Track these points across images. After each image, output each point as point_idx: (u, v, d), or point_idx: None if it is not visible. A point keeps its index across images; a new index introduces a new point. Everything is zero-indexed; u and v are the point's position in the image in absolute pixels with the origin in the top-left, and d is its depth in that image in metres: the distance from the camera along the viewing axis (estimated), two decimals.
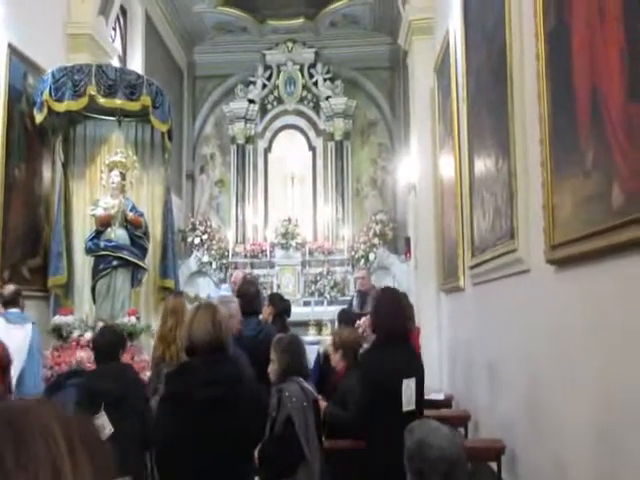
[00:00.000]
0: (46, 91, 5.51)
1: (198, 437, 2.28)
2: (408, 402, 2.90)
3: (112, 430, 2.85)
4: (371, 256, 10.21)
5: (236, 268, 10.23)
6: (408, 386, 2.91)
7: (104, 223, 5.59)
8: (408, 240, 8.43)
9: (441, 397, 4.90)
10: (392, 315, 3.07)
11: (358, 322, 4.67)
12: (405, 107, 9.61)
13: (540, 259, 2.71)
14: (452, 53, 5.00)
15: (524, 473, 3.11)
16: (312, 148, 11.02)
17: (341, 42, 10.96)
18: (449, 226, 5.33)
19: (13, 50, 5.41)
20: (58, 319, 5.43)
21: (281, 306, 5.51)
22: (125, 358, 4.20)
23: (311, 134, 11.03)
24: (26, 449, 0.51)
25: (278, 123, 11.12)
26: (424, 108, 6.38)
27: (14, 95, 5.48)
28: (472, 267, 4.30)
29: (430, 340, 5.81)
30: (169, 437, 2.39)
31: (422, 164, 6.45)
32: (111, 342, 3.42)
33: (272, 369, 3.06)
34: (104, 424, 2.87)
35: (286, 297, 9.04)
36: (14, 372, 4.15)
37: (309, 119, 11.05)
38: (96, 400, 3.01)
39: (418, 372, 3.08)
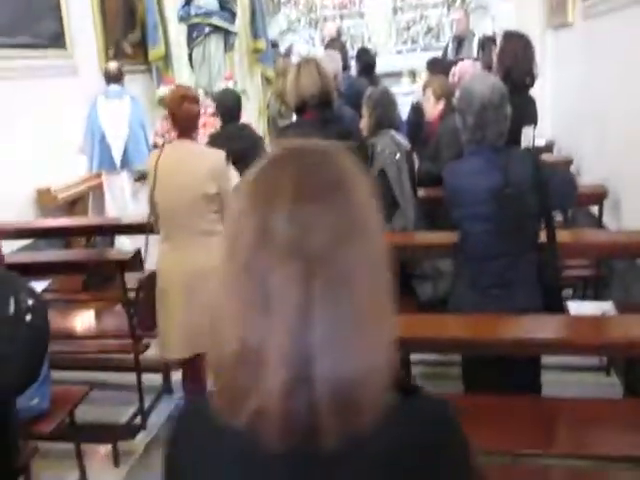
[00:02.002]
0: None
1: None
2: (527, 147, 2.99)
3: None
4: None
5: (325, 22, 9.80)
6: (526, 133, 2.96)
7: None
8: None
9: (542, 142, 4.83)
10: (517, 60, 2.99)
11: (453, 69, 4.50)
12: None
13: None
14: None
15: (627, 218, 3.15)
16: None
17: None
18: None
19: None
20: (162, 90, 5.75)
21: (364, 60, 5.35)
22: None
23: None
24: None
25: None
26: None
27: None
28: None
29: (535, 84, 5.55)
30: None
31: None
32: (232, 105, 3.65)
33: (364, 124, 3.14)
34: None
35: (378, 47, 8.77)
36: (118, 146, 4.62)
37: None
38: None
39: (535, 119, 3.09)
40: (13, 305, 0.95)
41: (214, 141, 3.48)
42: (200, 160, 2.64)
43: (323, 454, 0.57)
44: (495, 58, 3.20)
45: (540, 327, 2.03)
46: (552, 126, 5.35)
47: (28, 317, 0.96)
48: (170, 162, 2.64)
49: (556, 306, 2.20)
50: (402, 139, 3.18)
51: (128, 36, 5.85)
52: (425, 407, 0.67)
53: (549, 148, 4.87)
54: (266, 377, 0.56)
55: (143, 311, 2.77)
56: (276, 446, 0.57)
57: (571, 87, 4.59)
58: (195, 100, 2.73)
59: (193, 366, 2.79)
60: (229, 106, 3.65)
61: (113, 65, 4.81)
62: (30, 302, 0.99)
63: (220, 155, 2.70)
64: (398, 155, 3.00)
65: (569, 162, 4.26)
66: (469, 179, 2.15)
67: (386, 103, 3.17)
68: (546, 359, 2.54)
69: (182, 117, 2.64)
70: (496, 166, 2.11)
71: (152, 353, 3.13)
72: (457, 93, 2.32)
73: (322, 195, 0.60)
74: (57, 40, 4.63)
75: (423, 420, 0.65)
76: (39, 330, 1.00)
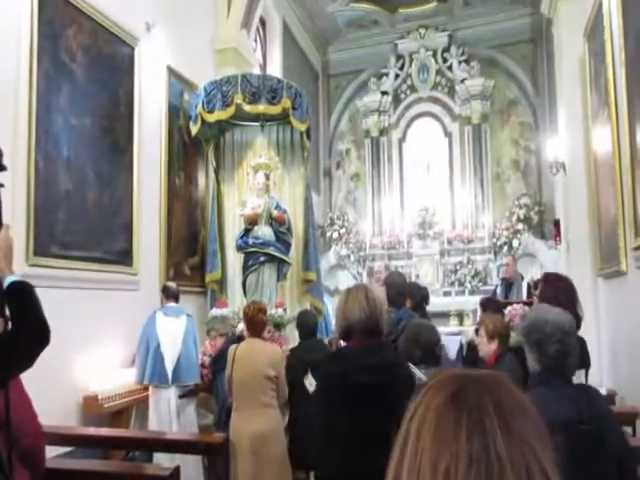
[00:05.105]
0: (200, 104, 5.98)
1: (353, 415, 2.30)
2: None
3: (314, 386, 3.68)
4: (515, 243, 9.70)
5: (374, 260, 10.31)
6: (578, 377, 2.75)
7: (252, 221, 5.92)
8: (557, 223, 7.90)
9: (602, 392, 4.48)
10: (559, 302, 2.89)
11: (508, 308, 4.44)
12: (550, 80, 9.02)
13: None
14: (606, 14, 4.56)
15: None
16: (448, 134, 10.72)
17: (476, 21, 10.57)
18: (606, 205, 4.89)
19: (171, 71, 5.97)
20: (215, 312, 5.85)
21: (419, 295, 5.41)
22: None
23: (446, 120, 10.73)
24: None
25: (412, 112, 10.97)
26: (573, 78, 5.91)
27: (173, 112, 6.04)
28: (636, 248, 3.91)
29: (587, 330, 5.38)
30: (326, 414, 2.44)
31: (572, 139, 5.99)
32: (313, 323, 4.43)
33: None
34: (310, 382, 3.88)
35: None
36: (171, 361, 4.55)
37: (444, 105, 10.76)
38: (305, 366, 3.99)
39: (587, 363, 2.89)
40: None
41: (294, 352, 4.33)
42: (264, 351, 3.74)
43: None
44: (536, 300, 3.11)
45: None
46: (612, 375, 5.03)
47: None
48: (244, 352, 3.70)
49: None
50: (419, 374, 2.97)
51: (188, 260, 6.20)
52: None
53: (610, 399, 4.48)
54: None
55: (220, 467, 3.52)
56: None
57: (630, 336, 4.38)
58: (265, 313, 3.91)
59: None
60: (309, 325, 4.41)
61: (172, 284, 5.00)
62: None
63: (277, 349, 3.81)
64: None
65: (635, 414, 3.86)
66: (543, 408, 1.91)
67: (408, 337, 3.10)
68: None
69: (256, 323, 3.81)
70: (571, 397, 1.95)
71: None
72: (520, 330, 2.19)
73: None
74: (125, 257, 4.93)
75: None
76: None
